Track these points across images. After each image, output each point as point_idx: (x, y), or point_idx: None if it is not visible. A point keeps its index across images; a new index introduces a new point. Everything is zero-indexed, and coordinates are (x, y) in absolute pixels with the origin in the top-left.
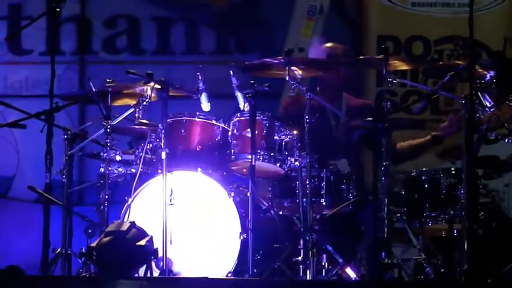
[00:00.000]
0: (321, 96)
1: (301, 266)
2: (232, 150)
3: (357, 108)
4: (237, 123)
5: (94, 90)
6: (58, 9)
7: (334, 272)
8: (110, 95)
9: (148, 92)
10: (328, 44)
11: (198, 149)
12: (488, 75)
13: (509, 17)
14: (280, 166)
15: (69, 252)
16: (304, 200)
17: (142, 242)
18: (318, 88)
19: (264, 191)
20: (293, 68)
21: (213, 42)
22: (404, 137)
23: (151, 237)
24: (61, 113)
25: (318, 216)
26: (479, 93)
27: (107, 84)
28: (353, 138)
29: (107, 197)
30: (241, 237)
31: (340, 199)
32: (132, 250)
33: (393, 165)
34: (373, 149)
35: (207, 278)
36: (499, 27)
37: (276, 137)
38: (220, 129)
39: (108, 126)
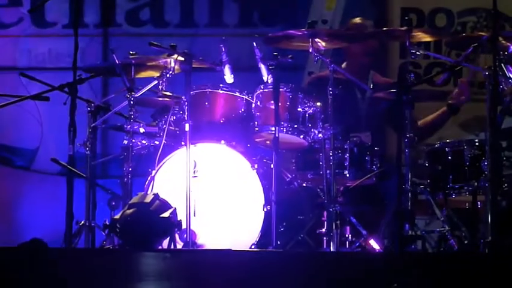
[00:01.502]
0: (346, 69)
1: (324, 238)
2: (256, 122)
3: (382, 85)
4: (260, 95)
5: (117, 62)
6: None
7: (357, 244)
8: (133, 67)
9: (172, 64)
10: (356, 19)
11: (221, 121)
12: (511, 47)
13: None
14: (303, 138)
15: (92, 224)
16: (328, 171)
17: (166, 214)
18: (344, 64)
19: (287, 163)
20: (316, 39)
21: (237, 14)
22: (427, 109)
23: (175, 209)
24: (84, 85)
25: (341, 188)
26: (502, 64)
27: (130, 57)
28: (378, 110)
29: (130, 169)
30: (265, 209)
31: (364, 171)
32: (156, 222)
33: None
34: (394, 124)
35: (230, 250)
36: None
37: (299, 109)
38: (244, 101)
39: (132, 99)
